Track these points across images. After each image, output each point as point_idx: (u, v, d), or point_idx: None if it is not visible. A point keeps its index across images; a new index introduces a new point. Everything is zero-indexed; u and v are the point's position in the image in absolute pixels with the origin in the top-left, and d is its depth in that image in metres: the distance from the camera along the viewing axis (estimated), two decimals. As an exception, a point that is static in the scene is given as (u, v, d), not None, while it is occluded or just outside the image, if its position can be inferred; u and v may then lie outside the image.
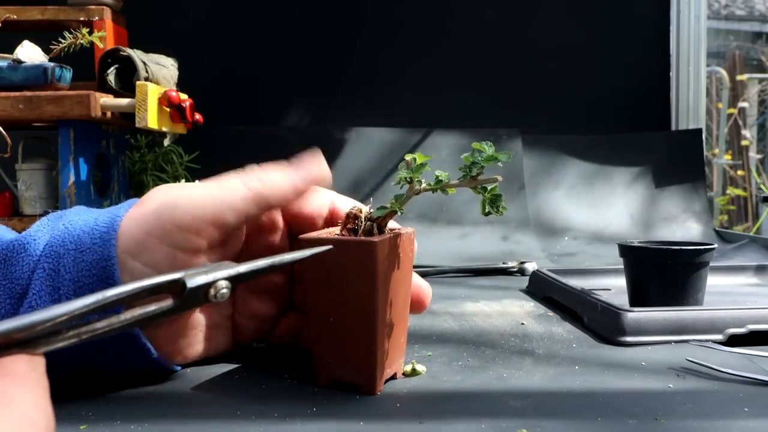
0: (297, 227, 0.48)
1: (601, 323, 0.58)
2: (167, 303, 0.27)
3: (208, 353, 0.49)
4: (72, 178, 0.92)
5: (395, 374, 0.46)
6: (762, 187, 3.42)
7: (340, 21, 1.47)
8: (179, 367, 0.47)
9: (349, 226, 0.44)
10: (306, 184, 0.45)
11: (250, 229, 0.48)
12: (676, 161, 1.39)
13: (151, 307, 0.27)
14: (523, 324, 0.62)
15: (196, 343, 0.48)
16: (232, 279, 0.29)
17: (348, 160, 1.32)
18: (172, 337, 0.46)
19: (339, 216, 0.48)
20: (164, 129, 0.95)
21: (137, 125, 0.90)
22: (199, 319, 0.47)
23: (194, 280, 0.27)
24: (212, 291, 0.28)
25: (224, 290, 0.28)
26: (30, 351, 0.24)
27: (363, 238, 0.42)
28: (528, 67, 1.48)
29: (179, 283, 0.27)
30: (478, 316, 0.66)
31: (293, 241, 0.49)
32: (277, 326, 0.51)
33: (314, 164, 0.46)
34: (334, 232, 0.45)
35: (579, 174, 1.38)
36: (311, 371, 0.44)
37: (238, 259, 0.49)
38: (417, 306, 0.48)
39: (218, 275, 0.28)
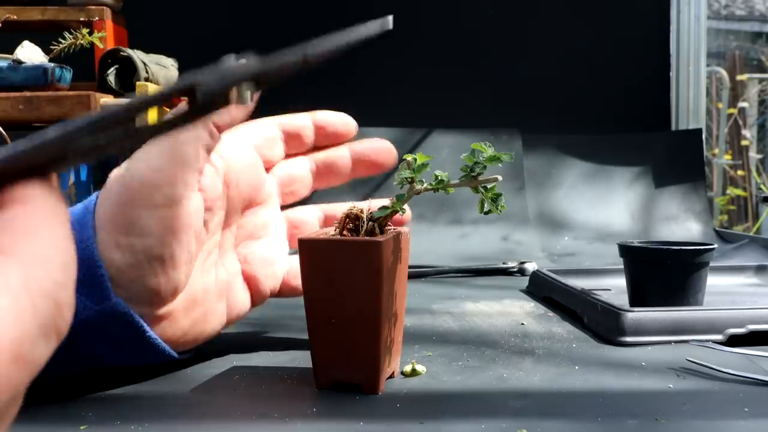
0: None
1: (601, 323, 0.58)
2: (184, 112, 0.24)
3: (231, 316, 0.49)
4: (72, 179, 0.92)
5: (393, 373, 0.46)
6: (762, 187, 3.42)
7: (340, 21, 1.46)
8: (177, 355, 0.46)
9: (349, 226, 0.44)
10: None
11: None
12: (676, 161, 1.39)
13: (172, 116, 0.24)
14: (523, 324, 0.62)
15: (215, 309, 0.48)
16: (254, 78, 0.25)
17: (348, 160, 1.32)
18: (189, 308, 0.45)
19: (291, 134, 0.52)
20: (164, 129, 0.95)
21: (137, 125, 0.90)
22: (209, 281, 0.47)
23: (206, 87, 0.23)
24: (234, 93, 0.24)
25: (247, 92, 0.25)
26: (42, 175, 0.22)
27: (368, 238, 0.42)
28: (528, 67, 1.48)
29: (192, 90, 0.23)
30: (478, 316, 0.66)
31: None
32: (287, 272, 0.53)
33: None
34: (330, 232, 0.45)
35: (579, 174, 1.38)
36: (311, 371, 0.44)
37: (237, 220, 0.51)
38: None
39: (237, 75, 0.24)
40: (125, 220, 0.41)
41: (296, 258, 0.50)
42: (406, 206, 0.46)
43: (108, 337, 0.42)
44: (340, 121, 0.54)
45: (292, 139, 0.53)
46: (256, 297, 0.51)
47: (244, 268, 0.51)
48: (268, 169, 0.53)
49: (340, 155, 0.54)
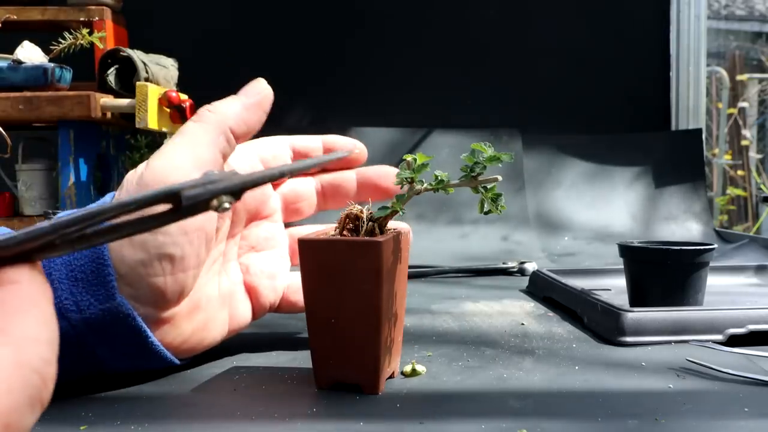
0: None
1: (601, 323, 0.58)
2: (166, 213, 0.26)
3: (233, 326, 0.50)
4: (72, 179, 0.92)
5: (393, 373, 0.46)
6: (762, 187, 3.42)
7: (341, 21, 1.47)
8: (179, 361, 0.47)
9: (349, 226, 0.44)
10: (251, 98, 0.48)
11: None
12: (676, 161, 1.39)
13: (149, 215, 0.26)
14: (523, 324, 0.62)
15: (217, 317, 0.48)
16: (234, 191, 0.27)
17: (348, 160, 1.32)
18: (192, 313, 0.46)
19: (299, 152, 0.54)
20: (164, 129, 0.95)
21: (137, 126, 0.90)
22: (212, 289, 0.48)
23: (191, 194, 0.25)
24: (215, 202, 0.26)
25: (227, 204, 0.26)
26: (29, 261, 0.24)
27: (368, 238, 0.42)
28: (528, 67, 1.48)
29: (176, 197, 0.25)
30: (478, 316, 0.66)
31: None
32: (288, 287, 0.53)
33: (254, 84, 0.49)
34: (330, 232, 0.45)
35: (579, 174, 1.38)
36: (311, 371, 0.44)
37: (241, 231, 0.52)
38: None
39: (219, 189, 0.26)
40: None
41: (296, 275, 0.51)
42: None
43: (109, 338, 0.42)
44: (350, 145, 0.55)
45: (301, 159, 0.54)
46: (257, 309, 0.52)
47: (246, 279, 0.51)
48: (275, 186, 0.54)
49: (347, 178, 0.55)
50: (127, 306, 0.42)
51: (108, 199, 0.44)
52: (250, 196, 0.51)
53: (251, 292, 0.51)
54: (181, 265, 0.43)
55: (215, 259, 0.49)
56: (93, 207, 0.24)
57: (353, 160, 0.55)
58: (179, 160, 0.43)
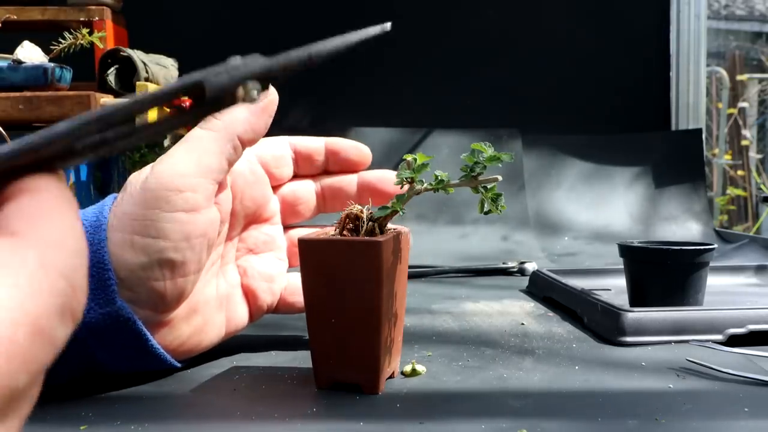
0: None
1: (601, 323, 0.58)
2: (190, 106, 0.24)
3: (230, 329, 0.50)
4: (72, 178, 0.92)
5: (393, 373, 0.46)
6: (762, 187, 3.42)
7: (340, 21, 1.46)
8: (179, 364, 0.47)
9: (349, 226, 0.44)
10: (260, 108, 0.47)
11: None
12: (676, 161, 1.39)
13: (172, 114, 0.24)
14: (523, 324, 0.62)
15: (214, 319, 0.48)
16: (262, 77, 0.25)
17: (348, 160, 1.32)
18: (190, 316, 0.46)
19: (301, 154, 0.53)
20: (164, 129, 0.95)
21: (137, 126, 0.90)
22: (210, 291, 0.48)
23: (215, 81, 0.23)
24: (241, 91, 0.24)
25: (254, 91, 0.25)
26: (50, 169, 0.22)
27: (368, 238, 0.42)
28: (528, 66, 1.48)
29: (199, 87, 0.23)
30: (478, 316, 0.66)
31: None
32: (285, 288, 0.53)
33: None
34: (330, 232, 0.45)
35: (579, 174, 1.38)
36: (311, 371, 0.44)
37: (240, 234, 0.52)
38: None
39: (245, 73, 0.25)
40: (143, 221, 0.42)
41: (295, 275, 0.51)
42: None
43: (109, 342, 0.42)
44: (353, 148, 0.54)
45: (303, 161, 0.53)
46: (254, 311, 0.52)
47: (244, 281, 0.51)
48: (275, 187, 0.53)
49: (348, 182, 0.54)
50: (127, 310, 0.42)
51: (109, 202, 0.44)
52: (249, 198, 0.50)
53: (249, 294, 0.51)
54: (181, 270, 0.43)
55: (213, 261, 0.49)
56: (109, 108, 0.22)
57: (357, 163, 0.54)
58: (184, 168, 0.43)
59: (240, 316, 0.51)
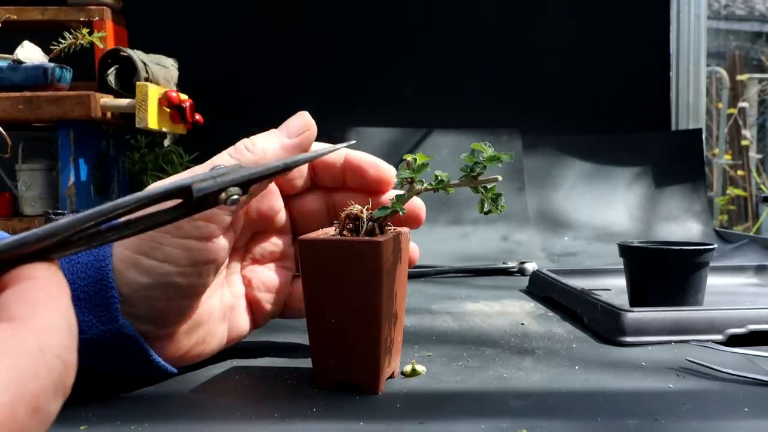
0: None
1: (601, 323, 0.58)
2: (177, 207, 0.27)
3: (231, 338, 0.49)
4: (72, 179, 0.92)
5: (393, 373, 0.46)
6: (762, 187, 3.42)
7: (340, 21, 1.46)
8: (177, 370, 0.47)
9: (349, 226, 0.44)
10: (293, 138, 0.46)
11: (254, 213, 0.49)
12: (676, 161, 1.39)
13: (161, 210, 0.27)
14: (523, 324, 0.62)
15: (217, 330, 0.48)
16: (242, 184, 0.28)
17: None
18: (192, 329, 0.45)
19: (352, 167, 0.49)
20: (164, 129, 0.95)
21: (137, 125, 0.90)
22: (214, 303, 0.47)
23: (201, 186, 0.26)
24: (223, 195, 0.27)
25: (235, 196, 0.28)
26: (46, 258, 0.24)
27: (368, 238, 0.42)
28: (528, 67, 1.48)
29: (187, 190, 0.26)
30: (478, 316, 0.66)
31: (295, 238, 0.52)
32: (290, 295, 0.52)
33: (297, 120, 0.46)
34: (330, 232, 0.45)
35: (579, 174, 1.38)
36: (311, 371, 0.44)
37: (246, 244, 0.51)
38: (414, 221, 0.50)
39: (227, 181, 0.27)
40: (151, 244, 0.41)
41: (299, 282, 0.50)
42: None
43: (109, 355, 0.42)
44: (371, 166, 0.49)
45: (321, 172, 0.51)
46: (257, 320, 0.51)
47: (248, 291, 0.50)
48: (288, 198, 0.51)
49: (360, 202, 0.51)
50: (130, 328, 0.41)
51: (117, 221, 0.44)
52: (255, 210, 0.49)
53: (253, 304, 0.50)
54: (186, 292, 0.43)
55: (219, 272, 0.48)
56: (107, 204, 0.25)
57: (375, 182, 0.49)
58: None
59: (242, 325, 0.50)
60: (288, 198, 0.51)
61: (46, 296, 0.22)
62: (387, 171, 0.49)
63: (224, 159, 0.44)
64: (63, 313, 0.22)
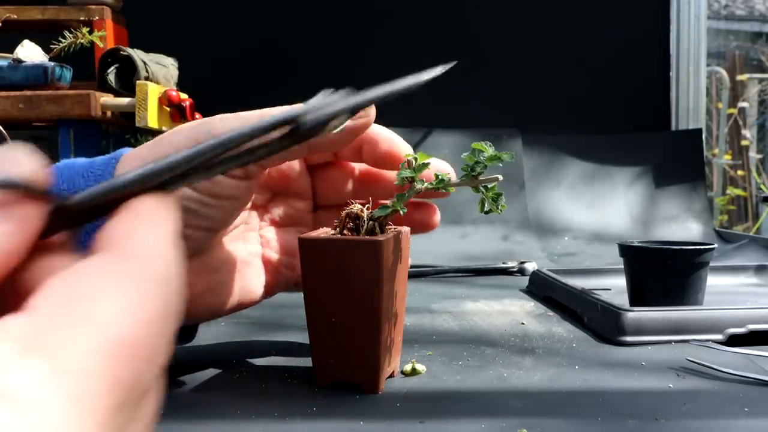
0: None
1: (601, 323, 0.58)
2: (288, 135, 0.27)
3: (244, 299, 0.48)
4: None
5: (393, 372, 0.46)
6: (762, 187, 3.43)
7: (340, 21, 1.47)
8: (190, 339, 0.45)
9: (349, 225, 0.44)
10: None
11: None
12: (676, 161, 1.39)
13: (275, 138, 0.27)
14: (523, 324, 0.62)
15: (229, 282, 0.46)
16: (350, 110, 0.29)
17: (348, 159, 1.33)
18: (203, 270, 0.44)
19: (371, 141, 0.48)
20: (164, 128, 0.95)
21: (137, 125, 0.90)
22: (228, 253, 0.46)
23: (314, 116, 0.27)
24: (332, 123, 0.28)
25: (342, 126, 0.28)
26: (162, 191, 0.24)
27: (368, 237, 0.42)
28: (528, 67, 1.48)
29: (296, 121, 0.27)
30: (478, 316, 0.66)
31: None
32: None
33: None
34: (330, 232, 0.45)
35: (579, 174, 1.38)
36: (311, 371, 0.44)
37: (266, 204, 0.50)
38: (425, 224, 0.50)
39: (335, 110, 0.28)
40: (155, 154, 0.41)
41: None
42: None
43: None
44: (386, 139, 0.49)
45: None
46: (271, 284, 0.49)
47: (265, 252, 0.49)
48: (312, 167, 0.50)
49: (385, 177, 0.50)
50: None
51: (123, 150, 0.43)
52: (275, 170, 0.48)
53: (268, 266, 0.49)
54: (201, 223, 0.42)
55: (237, 225, 0.47)
56: (227, 135, 0.24)
57: (387, 157, 0.48)
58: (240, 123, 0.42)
59: (255, 286, 0.48)
60: (312, 167, 0.51)
61: (147, 225, 0.21)
62: (399, 147, 0.48)
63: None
64: (166, 241, 0.21)
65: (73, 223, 0.22)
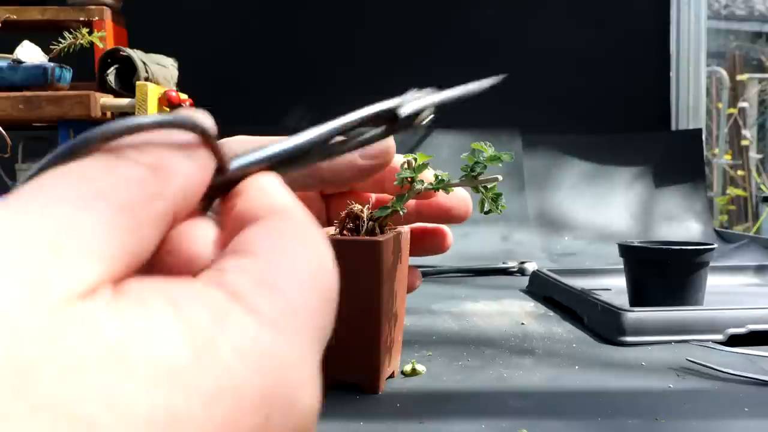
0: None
1: (601, 323, 0.58)
2: (381, 127, 0.29)
3: None
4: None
5: (393, 373, 0.46)
6: (762, 187, 3.43)
7: (340, 21, 1.46)
8: None
9: (349, 225, 0.44)
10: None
11: None
12: (676, 161, 1.39)
13: (370, 132, 0.29)
14: (523, 324, 0.62)
15: None
16: (437, 105, 0.31)
17: (348, 160, 1.32)
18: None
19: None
20: (164, 129, 0.95)
21: (137, 125, 0.90)
22: None
23: (408, 107, 0.29)
24: (422, 115, 0.30)
25: (431, 117, 0.30)
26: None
27: (368, 237, 0.42)
28: (528, 67, 1.48)
29: (391, 112, 0.28)
30: (478, 316, 0.66)
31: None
32: None
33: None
34: (330, 232, 0.45)
35: (579, 174, 1.38)
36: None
37: None
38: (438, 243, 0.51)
39: (427, 103, 0.30)
40: None
41: None
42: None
43: None
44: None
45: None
46: None
47: None
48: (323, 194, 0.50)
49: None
50: None
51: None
52: None
53: None
54: None
55: None
56: (336, 124, 0.25)
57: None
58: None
59: None
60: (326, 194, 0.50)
61: (303, 233, 0.21)
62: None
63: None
64: (324, 248, 0.21)
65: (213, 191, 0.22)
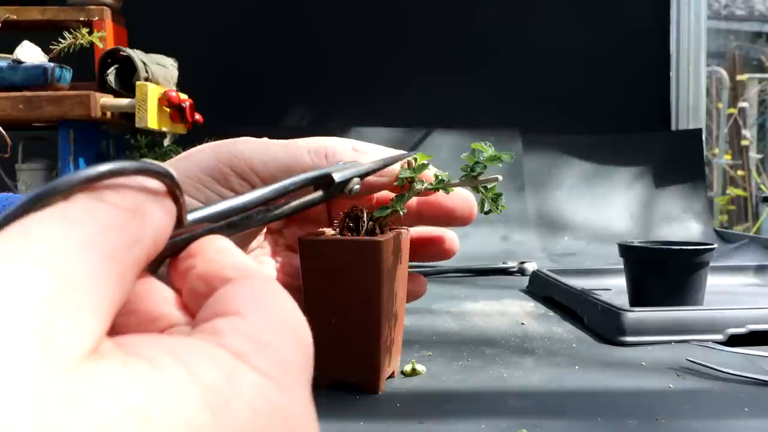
0: None
1: (601, 323, 0.58)
2: (315, 194, 0.31)
3: None
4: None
5: (393, 373, 0.46)
6: (762, 187, 3.43)
7: (340, 21, 1.46)
8: None
9: (350, 225, 0.44)
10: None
11: None
12: (676, 161, 1.39)
13: (302, 199, 0.30)
14: (523, 324, 0.62)
15: None
16: (362, 175, 0.33)
17: (348, 160, 1.32)
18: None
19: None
20: (164, 129, 0.95)
21: (137, 125, 0.90)
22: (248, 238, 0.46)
23: (340, 174, 0.31)
24: (349, 185, 0.32)
25: (357, 186, 0.33)
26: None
27: (368, 237, 0.42)
28: (528, 67, 1.48)
29: (328, 177, 0.31)
30: (478, 316, 0.66)
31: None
32: None
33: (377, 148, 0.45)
34: (330, 232, 0.45)
35: (579, 174, 1.38)
36: (311, 371, 0.44)
37: (281, 229, 0.50)
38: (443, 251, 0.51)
39: (354, 172, 0.32)
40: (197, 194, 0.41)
41: None
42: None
43: None
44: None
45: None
46: None
47: (279, 276, 0.49)
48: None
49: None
50: None
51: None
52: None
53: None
54: None
55: (252, 249, 0.47)
56: (269, 188, 0.26)
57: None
58: (270, 153, 0.42)
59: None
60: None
61: (274, 292, 0.21)
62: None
63: (332, 143, 0.43)
64: (294, 303, 0.21)
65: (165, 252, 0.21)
